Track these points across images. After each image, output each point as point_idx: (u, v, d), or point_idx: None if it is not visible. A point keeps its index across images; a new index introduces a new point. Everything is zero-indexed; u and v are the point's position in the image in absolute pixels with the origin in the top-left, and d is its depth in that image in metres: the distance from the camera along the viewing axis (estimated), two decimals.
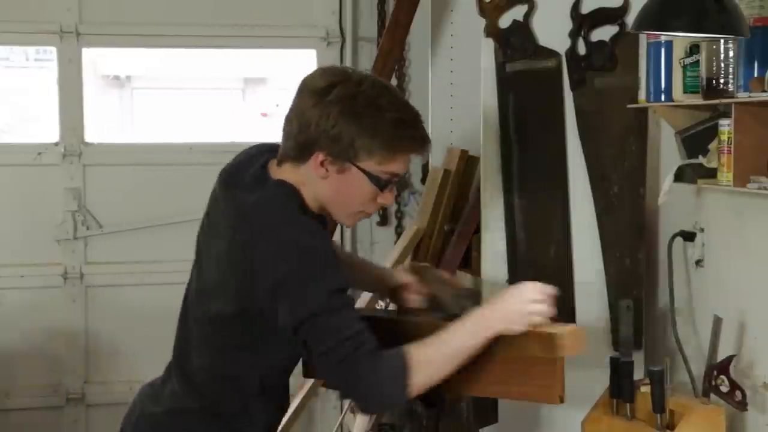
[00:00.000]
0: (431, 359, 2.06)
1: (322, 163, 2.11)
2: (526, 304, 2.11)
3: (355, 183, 2.12)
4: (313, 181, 2.13)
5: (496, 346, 2.12)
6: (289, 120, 2.15)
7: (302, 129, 2.10)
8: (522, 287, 2.16)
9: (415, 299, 2.41)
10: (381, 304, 3.07)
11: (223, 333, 2.16)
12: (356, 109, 2.08)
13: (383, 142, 2.10)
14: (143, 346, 4.74)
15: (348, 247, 5.05)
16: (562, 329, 2.12)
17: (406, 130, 2.13)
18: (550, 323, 2.13)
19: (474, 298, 2.38)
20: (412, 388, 2.03)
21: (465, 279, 3.48)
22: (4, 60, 5.38)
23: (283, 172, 2.17)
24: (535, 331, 2.11)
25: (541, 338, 2.11)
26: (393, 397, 2.04)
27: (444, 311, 2.32)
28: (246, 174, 2.20)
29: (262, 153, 2.25)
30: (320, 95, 2.10)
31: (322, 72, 2.20)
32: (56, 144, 4.82)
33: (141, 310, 4.83)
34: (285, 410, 2.37)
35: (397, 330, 2.25)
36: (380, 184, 2.13)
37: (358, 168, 2.11)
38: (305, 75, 2.21)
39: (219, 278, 2.14)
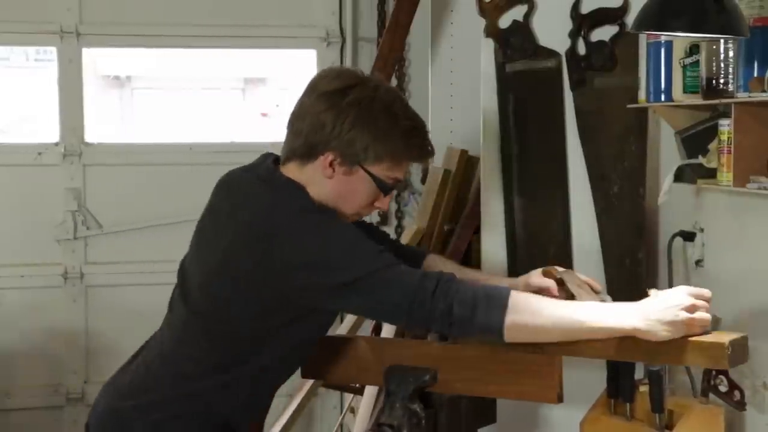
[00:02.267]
0: (536, 312, 2.02)
1: (330, 164, 2.13)
2: (675, 309, 1.98)
3: (360, 185, 2.16)
4: (318, 180, 2.15)
5: (656, 350, 1.99)
6: (300, 118, 2.17)
7: (316, 129, 2.12)
8: (674, 291, 2.05)
9: None
10: None
11: (224, 321, 2.16)
12: (372, 115, 2.11)
13: (394, 149, 2.14)
14: None
15: None
16: (726, 338, 1.97)
17: (416, 140, 2.17)
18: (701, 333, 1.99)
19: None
20: (507, 325, 1.99)
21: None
22: (4, 60, 5.37)
23: (288, 171, 2.18)
24: (695, 341, 1.96)
25: (705, 348, 1.97)
26: (488, 321, 2.00)
27: None
28: (254, 172, 2.22)
29: (267, 157, 2.28)
30: (336, 97, 2.12)
31: (336, 74, 2.21)
32: (56, 144, 4.81)
33: (141, 310, 4.81)
34: (265, 410, 2.39)
35: None
36: (384, 188, 2.17)
37: (366, 171, 2.14)
38: (316, 75, 2.23)
39: (227, 268, 2.14)
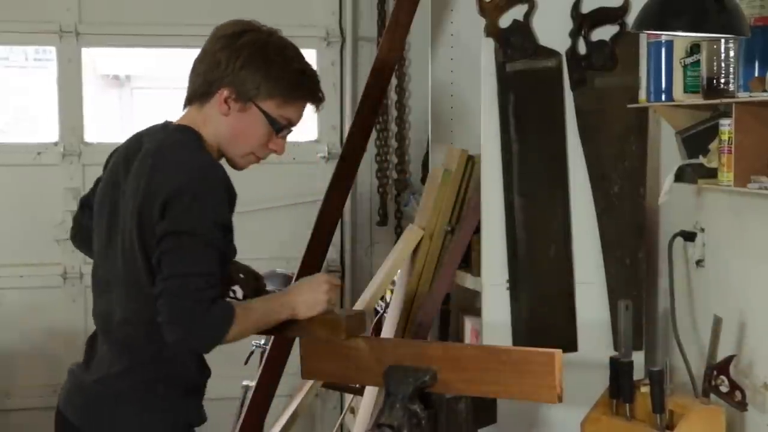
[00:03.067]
0: (247, 319, 2.21)
1: (225, 101, 2.27)
2: (320, 293, 2.33)
3: (253, 122, 2.29)
4: (215, 119, 2.28)
5: (289, 328, 2.36)
6: (198, 61, 2.32)
7: (211, 68, 2.27)
8: (315, 278, 2.38)
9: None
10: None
11: (136, 276, 2.21)
12: (264, 54, 2.27)
13: (285, 88, 2.28)
14: None
15: (347, 247, 5.05)
16: (343, 312, 2.44)
17: (306, 82, 2.33)
18: (335, 310, 2.41)
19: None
20: (228, 337, 2.16)
21: (466, 279, 3.48)
22: (3, 60, 5.37)
23: (186, 116, 2.32)
24: (322, 317, 2.35)
25: (327, 322, 2.36)
26: (213, 339, 2.15)
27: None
28: (148, 133, 2.34)
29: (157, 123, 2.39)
30: (231, 39, 2.29)
31: (235, 21, 2.38)
32: (56, 144, 4.82)
33: None
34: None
35: None
36: (276, 126, 2.31)
37: (259, 108, 2.28)
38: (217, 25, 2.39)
39: (129, 222, 2.21)
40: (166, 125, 2.34)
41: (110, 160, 2.41)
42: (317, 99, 2.36)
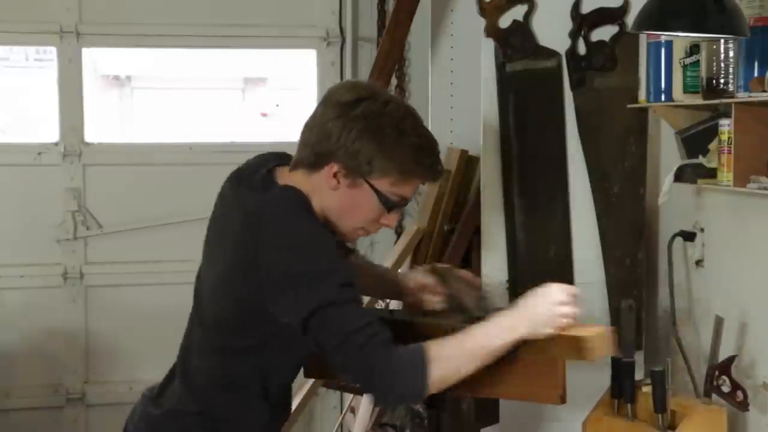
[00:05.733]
0: (452, 356, 2.04)
1: (335, 175, 2.11)
2: (553, 306, 2.08)
3: (364, 199, 2.13)
4: (323, 191, 2.13)
5: (522, 348, 2.09)
6: (309, 128, 2.15)
7: (322, 139, 2.11)
8: (548, 289, 2.12)
9: (434, 301, 2.38)
10: (381, 304, 3.06)
11: (225, 333, 2.15)
12: (379, 128, 2.09)
13: (400, 166, 2.10)
14: (143, 346, 4.74)
15: None
16: (589, 331, 2.09)
17: (424, 159, 2.13)
18: (575, 325, 2.11)
19: (498, 299, 2.35)
20: (431, 383, 2.01)
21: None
22: (4, 60, 5.36)
23: (294, 178, 2.16)
24: (563, 335, 2.08)
25: (570, 342, 2.08)
26: (410, 389, 2.02)
27: (466, 313, 2.28)
28: (255, 175, 2.20)
29: (272, 159, 2.25)
30: (345, 108, 2.10)
31: (350, 86, 2.21)
32: (56, 144, 4.81)
33: (141, 310, 4.82)
34: (287, 415, 2.34)
35: (416, 332, 2.21)
36: (388, 204, 2.14)
37: (370, 186, 2.11)
38: (332, 86, 2.22)
39: (224, 277, 2.13)
40: (271, 179, 2.17)
41: (221, 192, 2.26)
42: (434, 175, 2.19)
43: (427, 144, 2.15)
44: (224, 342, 2.16)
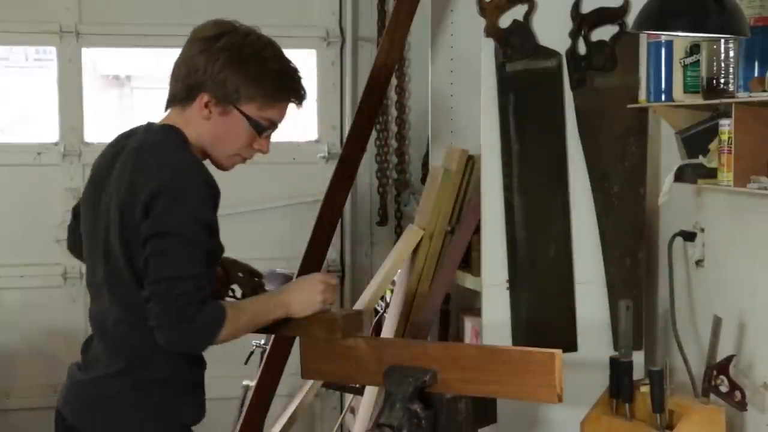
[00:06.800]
0: (239, 319, 2.22)
1: (206, 105, 2.27)
2: (313, 292, 2.35)
3: (235, 125, 2.29)
4: (196, 122, 2.28)
5: (289, 323, 2.37)
6: (178, 65, 2.33)
7: (190, 72, 2.28)
8: (311, 277, 2.41)
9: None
10: None
11: (120, 277, 2.21)
12: (243, 57, 2.27)
13: (265, 90, 2.28)
14: None
15: (347, 247, 5.05)
16: (341, 313, 2.43)
17: (287, 82, 2.32)
18: (333, 309, 2.42)
19: (272, 286, 2.65)
20: (219, 337, 2.17)
21: (466, 279, 3.48)
22: (3, 60, 5.37)
23: (169, 117, 2.32)
24: (319, 315, 2.37)
25: (323, 321, 2.37)
26: (204, 340, 2.16)
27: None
28: (131, 134, 2.35)
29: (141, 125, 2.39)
30: (209, 42, 2.28)
31: (213, 23, 2.37)
32: (56, 144, 4.81)
33: None
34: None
35: None
36: (258, 128, 2.31)
37: (240, 111, 2.27)
38: (196, 26, 2.38)
39: (111, 223, 2.21)
40: (150, 126, 2.35)
41: (96, 163, 2.40)
42: (298, 97, 2.36)
43: (289, 69, 2.34)
44: (123, 283, 2.21)
